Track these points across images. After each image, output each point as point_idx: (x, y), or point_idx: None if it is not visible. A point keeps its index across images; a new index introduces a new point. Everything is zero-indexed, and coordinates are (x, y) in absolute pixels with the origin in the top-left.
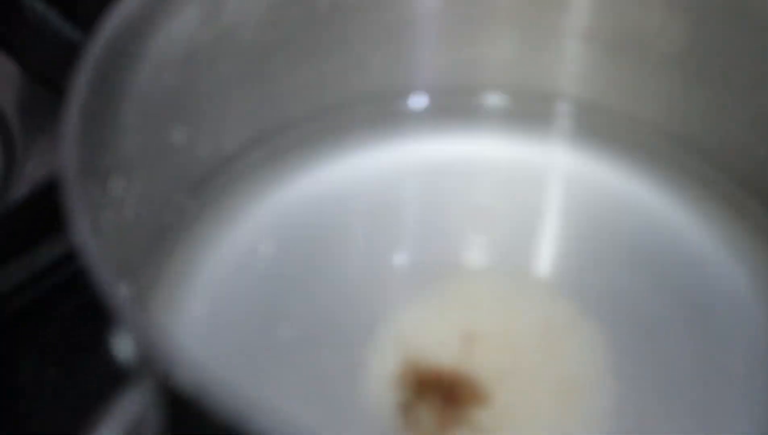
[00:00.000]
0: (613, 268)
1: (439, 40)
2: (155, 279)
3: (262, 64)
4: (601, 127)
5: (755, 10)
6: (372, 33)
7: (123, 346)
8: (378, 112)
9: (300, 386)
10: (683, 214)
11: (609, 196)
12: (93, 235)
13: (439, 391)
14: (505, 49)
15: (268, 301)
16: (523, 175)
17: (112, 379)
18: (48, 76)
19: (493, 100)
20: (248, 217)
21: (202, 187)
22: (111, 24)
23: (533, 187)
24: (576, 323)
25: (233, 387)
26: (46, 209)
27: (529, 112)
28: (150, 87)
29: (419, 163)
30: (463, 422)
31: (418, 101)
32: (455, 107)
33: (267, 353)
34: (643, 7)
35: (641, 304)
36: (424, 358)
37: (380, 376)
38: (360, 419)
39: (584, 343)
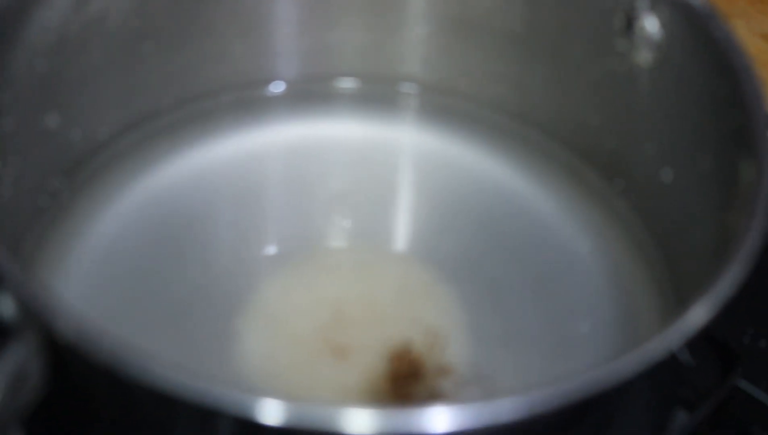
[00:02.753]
0: (465, 236)
1: (295, 28)
2: (30, 260)
3: (130, 52)
4: (447, 107)
5: None
6: (233, 22)
7: (5, 304)
8: (241, 99)
9: (171, 352)
10: (525, 183)
11: (457, 170)
12: None
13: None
14: (355, 36)
15: (140, 278)
16: (377, 154)
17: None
18: None
19: (346, 84)
20: (120, 200)
21: (75, 172)
22: None
23: (386, 165)
24: (431, 288)
25: (111, 333)
26: None
27: (379, 95)
28: (23, 73)
29: (280, 146)
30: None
31: (278, 88)
32: (312, 93)
33: (140, 325)
34: None
35: (491, 267)
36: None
37: (247, 343)
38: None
39: (439, 304)
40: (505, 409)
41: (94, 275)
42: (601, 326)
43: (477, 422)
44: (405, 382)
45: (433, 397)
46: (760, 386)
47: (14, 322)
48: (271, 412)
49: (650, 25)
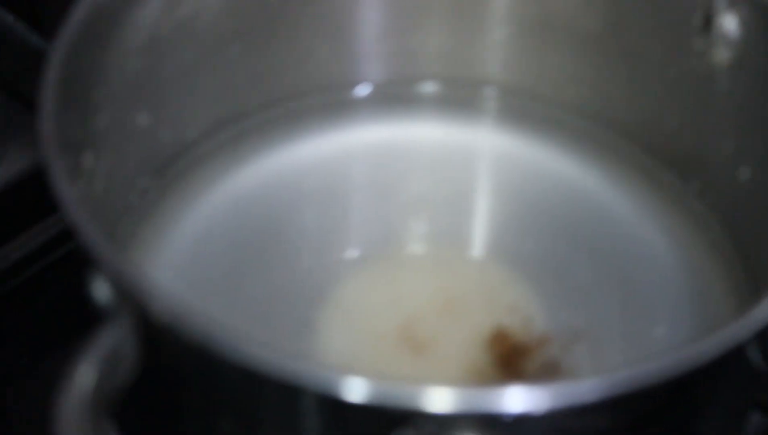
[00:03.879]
0: (543, 238)
1: (379, 32)
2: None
3: (218, 54)
4: (527, 109)
5: None
6: (319, 25)
7: (102, 288)
8: (326, 101)
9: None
10: (603, 185)
11: (536, 173)
12: (71, 191)
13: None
14: (437, 39)
15: (225, 275)
16: (457, 157)
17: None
18: (17, 87)
19: (428, 87)
20: (207, 199)
21: (164, 170)
22: (80, 11)
23: (467, 168)
24: (511, 286)
25: (205, 315)
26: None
27: (460, 98)
28: (116, 72)
29: (363, 149)
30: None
31: (363, 90)
32: (395, 96)
33: (227, 314)
34: None
35: (570, 267)
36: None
37: (328, 338)
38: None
39: (520, 300)
40: (583, 390)
41: (180, 273)
42: (678, 326)
43: (555, 403)
44: (513, 362)
45: (547, 366)
46: None
47: (109, 306)
48: (355, 389)
49: (729, 23)
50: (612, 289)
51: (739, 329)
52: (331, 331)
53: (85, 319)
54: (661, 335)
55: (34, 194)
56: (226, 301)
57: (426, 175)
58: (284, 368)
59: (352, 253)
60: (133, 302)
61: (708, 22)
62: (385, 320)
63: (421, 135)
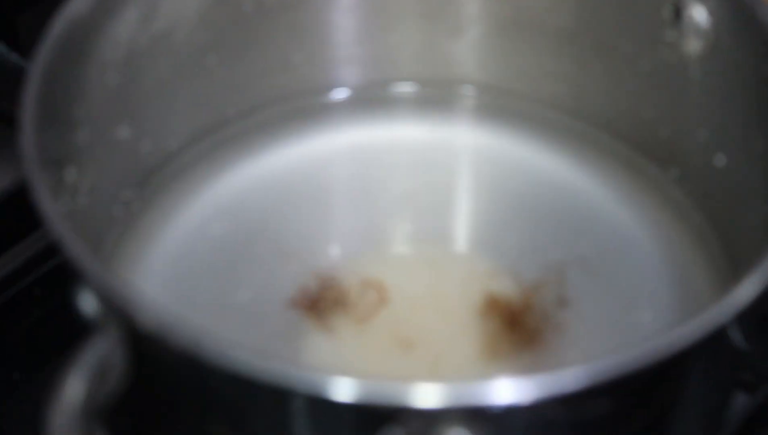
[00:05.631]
0: (526, 231)
1: (353, 36)
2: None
3: (196, 64)
4: (503, 106)
5: None
6: (294, 32)
7: (89, 300)
8: (304, 106)
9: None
10: (583, 177)
11: (516, 168)
12: (55, 207)
13: None
14: (411, 42)
15: (212, 277)
16: (437, 155)
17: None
18: None
19: (405, 88)
20: (190, 208)
21: (146, 182)
22: (56, 28)
23: (446, 166)
24: (497, 280)
25: (190, 322)
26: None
27: (437, 97)
28: (95, 86)
29: (343, 151)
30: None
31: (340, 94)
32: (372, 98)
33: (212, 321)
34: None
35: (554, 260)
36: None
37: (313, 339)
38: None
39: (506, 291)
40: (568, 379)
41: (165, 281)
42: (661, 311)
43: (541, 393)
44: (519, 319)
45: (554, 305)
46: None
47: (96, 318)
48: (342, 389)
49: (698, 13)
50: (595, 277)
51: (720, 312)
52: (317, 332)
53: (73, 332)
54: (644, 320)
55: (19, 210)
56: (211, 307)
57: (407, 174)
58: (272, 372)
59: (336, 255)
60: (120, 313)
61: (678, 14)
62: (372, 321)
63: (401, 135)
